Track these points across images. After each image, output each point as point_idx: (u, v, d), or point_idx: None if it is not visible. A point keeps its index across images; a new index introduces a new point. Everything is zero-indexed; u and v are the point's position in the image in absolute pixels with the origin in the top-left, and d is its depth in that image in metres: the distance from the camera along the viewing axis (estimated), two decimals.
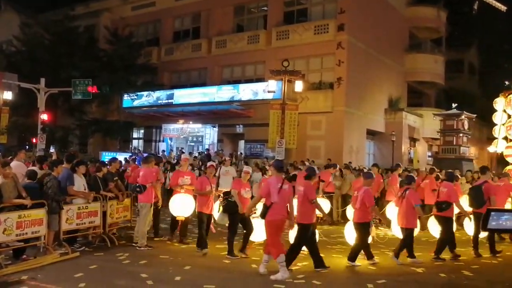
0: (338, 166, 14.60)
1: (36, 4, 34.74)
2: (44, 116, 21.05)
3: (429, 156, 28.56)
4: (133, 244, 9.37)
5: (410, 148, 27.90)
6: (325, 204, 10.22)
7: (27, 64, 25.09)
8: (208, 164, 10.36)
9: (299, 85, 19.59)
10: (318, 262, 7.99)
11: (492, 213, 8.45)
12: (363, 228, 8.43)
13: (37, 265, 7.63)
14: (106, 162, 12.38)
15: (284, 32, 23.99)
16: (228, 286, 7.02)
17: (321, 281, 7.27)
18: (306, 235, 7.93)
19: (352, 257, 8.39)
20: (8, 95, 22.40)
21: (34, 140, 22.30)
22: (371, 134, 25.86)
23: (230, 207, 8.95)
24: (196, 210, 9.34)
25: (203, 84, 26.60)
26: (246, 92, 23.51)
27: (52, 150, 21.80)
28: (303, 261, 8.59)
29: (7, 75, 20.91)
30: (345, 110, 22.22)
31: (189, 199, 9.69)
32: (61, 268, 7.67)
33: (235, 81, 25.50)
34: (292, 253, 7.87)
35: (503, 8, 44.93)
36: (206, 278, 7.25)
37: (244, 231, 9.15)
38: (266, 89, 20.93)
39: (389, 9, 26.82)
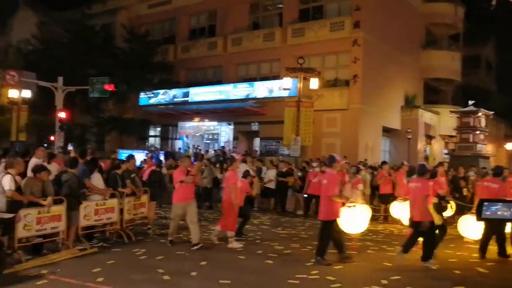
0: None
1: (53, 3, 35.15)
2: (62, 114, 21.33)
3: (445, 154, 28.23)
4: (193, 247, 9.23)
5: (426, 146, 27.67)
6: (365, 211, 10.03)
7: (45, 62, 25.42)
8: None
9: (314, 83, 19.58)
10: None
11: (485, 203, 8.49)
12: None
13: (56, 260, 7.80)
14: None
15: (300, 30, 23.96)
16: (243, 282, 7.08)
17: (335, 276, 7.30)
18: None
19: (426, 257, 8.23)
20: (26, 94, 22.78)
21: (52, 138, 22.62)
22: (387, 131, 25.70)
23: None
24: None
25: (218, 82, 26.70)
26: (261, 89, 23.52)
27: (70, 147, 22.07)
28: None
29: (25, 74, 21.23)
30: (361, 107, 22.12)
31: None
32: (79, 263, 7.82)
33: (251, 79, 25.51)
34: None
35: None
36: (221, 273, 7.33)
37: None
38: (282, 87, 20.96)
39: (405, 6, 26.59)
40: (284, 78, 20.62)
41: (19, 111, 24.38)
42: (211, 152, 23.29)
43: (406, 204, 9.13)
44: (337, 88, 22.77)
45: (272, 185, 15.43)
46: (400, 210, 11.59)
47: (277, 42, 24.66)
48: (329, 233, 8.13)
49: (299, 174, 15.77)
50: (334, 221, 8.17)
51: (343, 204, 8.50)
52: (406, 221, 10.49)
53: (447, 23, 29.97)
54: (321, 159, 17.64)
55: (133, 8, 31.04)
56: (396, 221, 12.69)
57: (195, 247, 9.00)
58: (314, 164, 15.38)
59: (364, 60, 22.07)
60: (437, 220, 8.17)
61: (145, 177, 11.77)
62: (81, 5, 30.31)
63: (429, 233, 8.10)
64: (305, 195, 14.80)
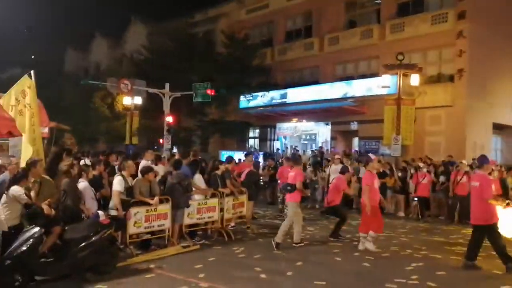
0: None
1: (160, 15, 37.61)
2: (169, 119, 22.68)
3: None
4: (294, 244, 9.60)
5: None
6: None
7: (154, 70, 27.11)
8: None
9: (415, 79, 18.82)
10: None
11: None
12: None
13: (162, 256, 8.41)
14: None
15: (399, 25, 23.08)
16: (339, 283, 7.09)
17: (437, 283, 7.03)
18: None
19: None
20: (138, 100, 24.69)
21: (161, 141, 24.11)
22: (498, 128, 23.76)
23: None
24: None
25: (315, 82, 26.61)
26: (359, 88, 23.06)
27: (175, 150, 23.38)
28: (419, 261, 8.37)
29: (137, 82, 22.87)
30: (467, 103, 20.73)
31: None
32: (183, 259, 8.35)
33: (348, 78, 25.12)
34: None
35: None
36: (317, 274, 7.41)
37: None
38: (380, 85, 20.43)
39: None
40: (382, 76, 20.07)
41: (132, 117, 26.45)
42: (309, 152, 23.33)
43: None
44: (441, 84, 21.57)
45: None
46: None
47: (375, 39, 23.99)
48: (497, 235, 7.85)
49: (399, 174, 15.27)
50: (495, 224, 7.86)
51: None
52: None
53: None
54: (423, 159, 16.98)
55: (232, 14, 32.07)
56: None
57: (297, 245, 9.46)
58: (421, 165, 14.81)
59: (470, 53, 20.65)
60: None
61: (242, 177, 12.19)
62: (185, 15, 31.96)
63: None
64: (415, 198, 14.34)
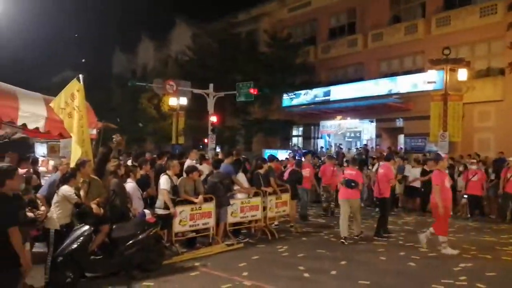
0: None
1: (204, 16, 38.10)
2: (214, 118, 22.99)
3: None
4: (355, 237, 10.20)
5: None
6: None
7: (198, 71, 27.55)
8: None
9: (463, 74, 18.22)
10: None
11: None
12: None
13: (207, 254, 8.56)
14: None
15: (445, 19, 22.39)
16: (383, 283, 6.99)
17: (486, 284, 6.81)
18: None
19: None
20: (183, 101, 25.18)
21: (205, 141, 24.47)
22: None
23: None
24: None
25: (359, 79, 26.24)
26: (404, 84, 22.58)
27: (218, 149, 23.64)
28: (467, 262, 8.15)
29: (182, 83, 23.28)
30: None
31: None
32: (227, 257, 8.46)
33: (393, 74, 24.62)
34: None
35: None
36: (361, 274, 7.34)
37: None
38: (426, 80, 19.93)
39: None
40: (428, 71, 19.58)
41: (177, 117, 26.97)
42: (353, 150, 23.05)
43: None
44: (490, 78, 20.78)
45: (417, 184, 14.80)
46: None
47: (420, 34, 23.39)
48: None
49: (446, 171, 14.80)
50: None
51: None
52: None
53: None
54: (472, 156, 16.44)
55: (275, 13, 32.07)
56: None
57: (356, 237, 10.09)
58: (471, 161, 14.36)
59: None
60: None
61: (285, 176, 12.22)
62: (228, 15, 32.26)
63: None
64: (465, 196, 13.93)
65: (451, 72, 18.16)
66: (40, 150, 17.90)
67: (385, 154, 15.06)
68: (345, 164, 13.07)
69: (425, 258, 8.49)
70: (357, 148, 23.24)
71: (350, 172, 10.21)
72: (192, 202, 8.76)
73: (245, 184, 10.22)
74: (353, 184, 9.87)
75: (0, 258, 4.31)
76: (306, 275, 7.34)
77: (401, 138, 24.23)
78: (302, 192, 12.64)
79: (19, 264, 4.42)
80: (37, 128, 8.12)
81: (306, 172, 12.76)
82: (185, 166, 9.96)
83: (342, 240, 9.71)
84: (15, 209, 4.65)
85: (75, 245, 6.40)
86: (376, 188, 10.70)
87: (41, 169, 12.05)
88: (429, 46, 22.32)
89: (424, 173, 14.45)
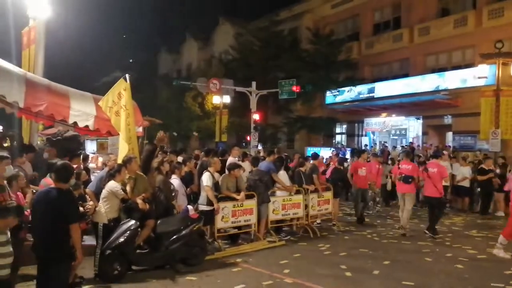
0: None
1: (247, 14, 38.29)
2: (256, 116, 23.06)
3: None
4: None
5: None
6: None
7: (241, 69, 27.74)
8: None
9: None
10: None
11: None
12: None
13: (249, 250, 8.63)
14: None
15: (497, 10, 21.47)
16: (428, 285, 6.80)
17: None
18: None
19: None
20: (226, 99, 25.51)
21: (248, 138, 24.62)
22: None
23: None
24: None
25: (405, 75, 25.64)
26: (453, 80, 21.89)
27: (259, 147, 23.72)
28: None
29: (225, 81, 23.50)
30: None
31: None
32: (269, 254, 8.49)
33: (440, 69, 23.90)
34: None
35: None
36: (405, 274, 7.19)
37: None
38: (477, 75, 19.27)
39: None
40: (479, 66, 18.91)
41: (221, 115, 27.40)
42: (399, 148, 22.55)
43: None
44: None
45: (466, 183, 14.33)
46: None
47: (470, 26, 22.53)
48: None
49: (497, 171, 14.26)
50: None
51: None
52: None
53: None
54: None
55: (317, 10, 31.82)
56: None
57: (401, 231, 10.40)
58: None
59: None
60: None
61: (328, 174, 12.12)
62: (270, 13, 32.28)
63: None
64: None
65: (504, 66, 17.48)
66: (90, 147, 18.61)
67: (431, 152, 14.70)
68: (399, 158, 13.21)
69: (473, 260, 8.21)
70: (402, 146, 22.71)
71: (406, 166, 10.50)
72: (234, 199, 8.85)
73: (287, 182, 10.21)
74: (410, 180, 10.28)
75: (61, 251, 4.56)
76: (348, 274, 7.26)
77: (449, 135, 23.51)
78: (356, 192, 12.26)
79: (75, 257, 4.64)
80: (87, 126, 8.47)
81: (362, 171, 12.16)
82: (227, 163, 10.05)
83: (404, 232, 10.31)
84: (77, 206, 4.94)
85: (122, 239, 6.62)
86: (429, 187, 10.39)
87: (91, 165, 12.53)
88: (480, 39, 21.50)
89: (482, 172, 13.92)
